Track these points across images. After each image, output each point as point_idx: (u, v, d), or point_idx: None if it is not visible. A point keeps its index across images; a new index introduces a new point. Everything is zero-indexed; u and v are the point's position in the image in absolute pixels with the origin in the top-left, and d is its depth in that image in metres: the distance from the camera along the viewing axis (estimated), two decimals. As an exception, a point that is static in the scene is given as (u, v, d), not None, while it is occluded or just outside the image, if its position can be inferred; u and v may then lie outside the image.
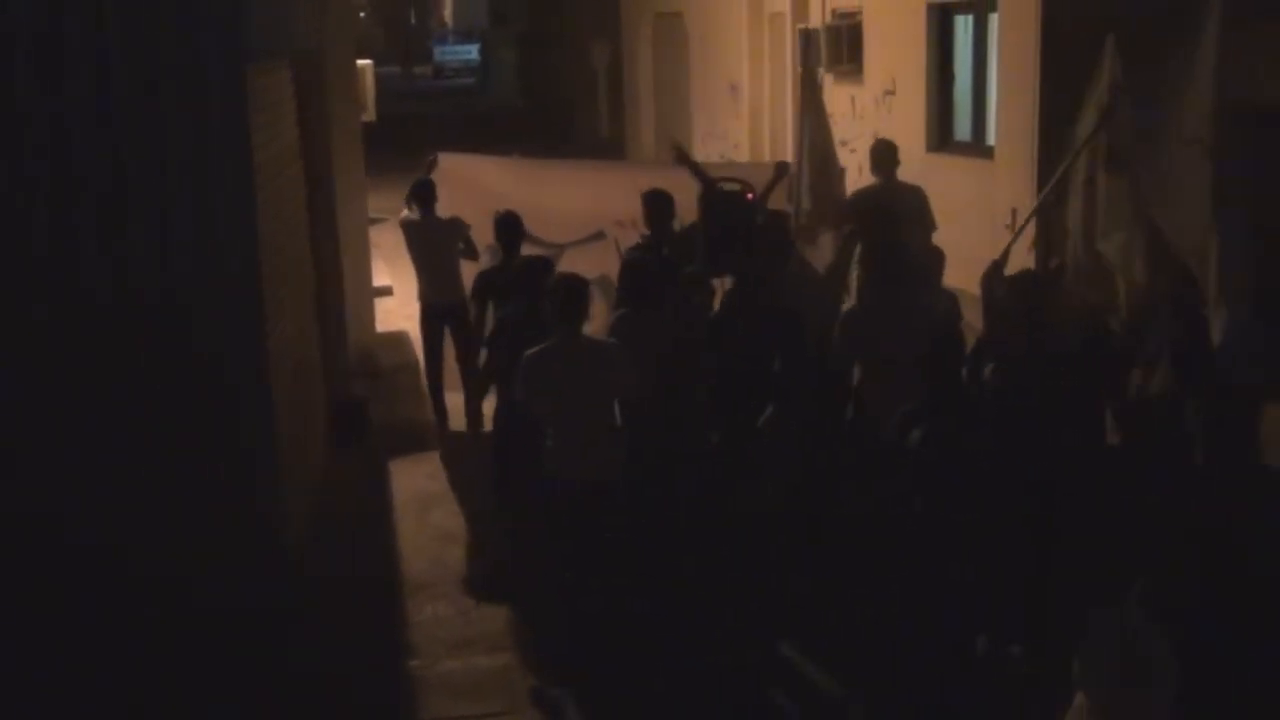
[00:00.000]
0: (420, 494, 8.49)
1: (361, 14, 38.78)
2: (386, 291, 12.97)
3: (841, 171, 9.05)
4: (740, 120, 16.44)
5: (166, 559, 6.06)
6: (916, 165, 11.33)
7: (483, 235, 8.79)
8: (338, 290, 9.52)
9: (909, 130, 12.07)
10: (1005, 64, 10.55)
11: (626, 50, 21.99)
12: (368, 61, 13.83)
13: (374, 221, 13.69)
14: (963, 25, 11.80)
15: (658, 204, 7.77)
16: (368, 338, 10.58)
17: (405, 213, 9.39)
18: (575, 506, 5.83)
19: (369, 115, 13.06)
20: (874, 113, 12.78)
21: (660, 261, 6.88)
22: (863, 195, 8.89)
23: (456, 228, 9.05)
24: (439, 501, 8.37)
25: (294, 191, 7.98)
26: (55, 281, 5.85)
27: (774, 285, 6.43)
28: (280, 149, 7.31)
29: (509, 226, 8.14)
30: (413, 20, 51.31)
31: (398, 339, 11.44)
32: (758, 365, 5.45)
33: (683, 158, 8.54)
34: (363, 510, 8.29)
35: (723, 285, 7.35)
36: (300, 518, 7.09)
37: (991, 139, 11.05)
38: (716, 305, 7.12)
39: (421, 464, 8.98)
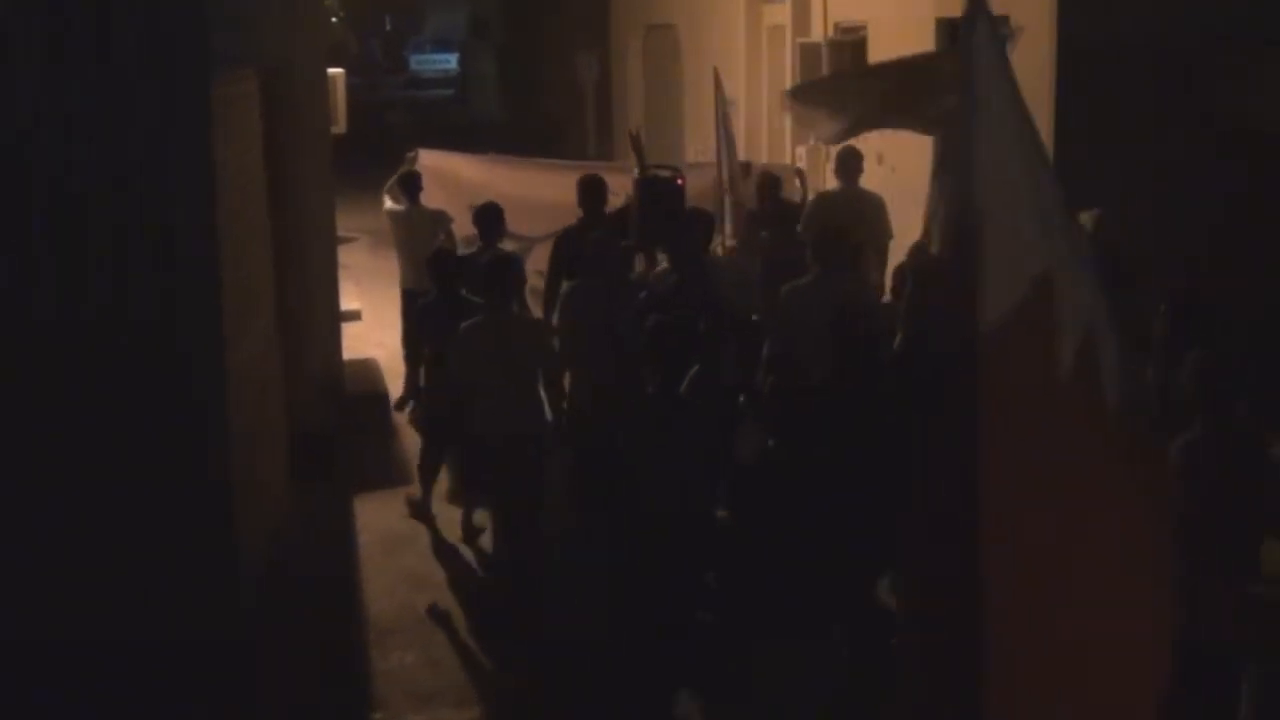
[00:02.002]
0: (388, 534, 8.49)
1: (334, 19, 38.83)
2: (355, 316, 12.99)
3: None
4: (736, 137, 16.51)
5: (112, 600, 6.06)
6: (924, 189, 11.41)
7: (461, 228, 9.99)
8: (303, 314, 9.54)
9: (916, 151, 12.14)
10: (1019, 73, 10.62)
11: (615, 64, 22.10)
12: (339, 70, 13.89)
13: (343, 241, 13.73)
14: (973, 42, 11.90)
15: (590, 188, 8.87)
16: (334, 365, 10.59)
17: (389, 203, 10.87)
18: (499, 460, 6.97)
19: (339, 127, 13.11)
20: (877, 133, 12.86)
21: (596, 238, 7.92)
22: (825, 200, 10.00)
23: (440, 219, 10.40)
24: (408, 542, 8.38)
25: (258, 208, 8.01)
26: (3, 299, 5.86)
27: (702, 262, 7.87)
28: (245, 163, 7.35)
29: (489, 216, 8.97)
30: (388, 27, 51.45)
31: (367, 367, 11.45)
32: (687, 327, 6.35)
33: (635, 145, 10.06)
34: (326, 550, 8.29)
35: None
36: (258, 558, 7.08)
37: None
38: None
39: (390, 501, 8.98)
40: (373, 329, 12.86)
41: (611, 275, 7.58)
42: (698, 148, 17.82)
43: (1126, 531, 3.37)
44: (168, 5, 5.91)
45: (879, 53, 13.12)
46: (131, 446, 6.06)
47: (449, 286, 8.06)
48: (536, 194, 10.71)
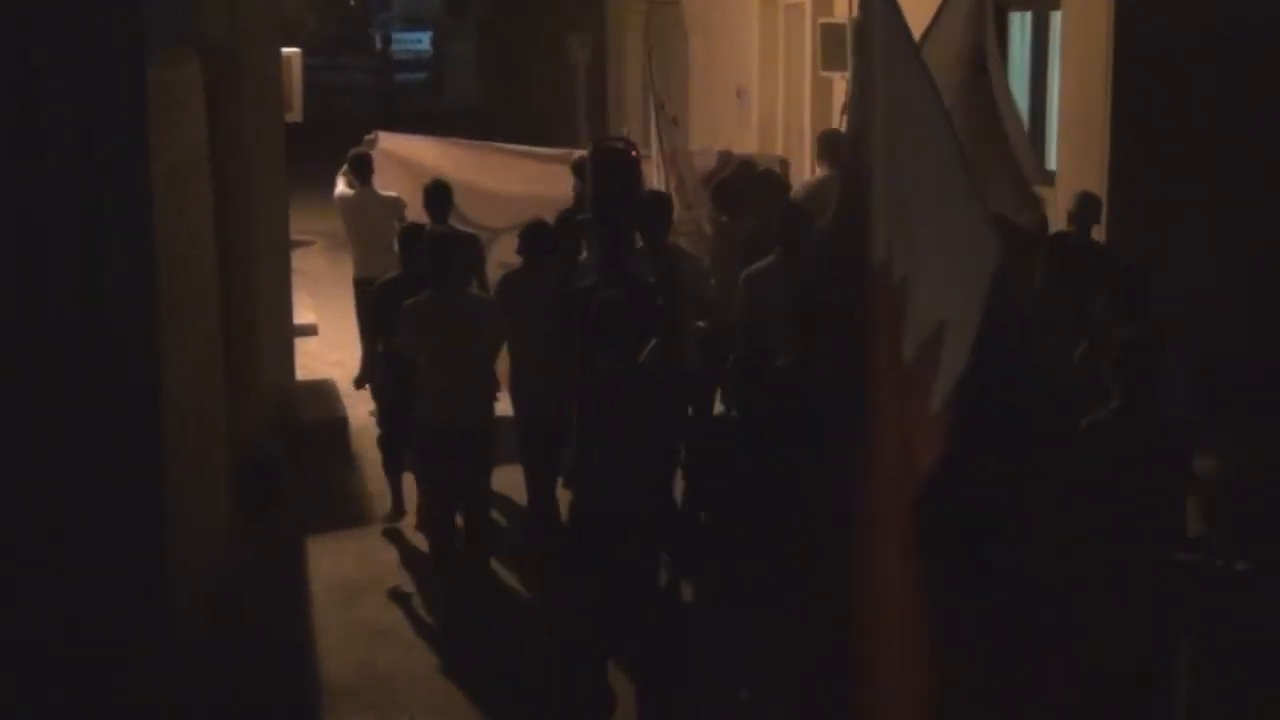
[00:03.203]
0: (345, 580, 8.50)
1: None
2: (310, 330, 13.02)
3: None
4: (748, 130, 16.58)
5: (24, 658, 6.04)
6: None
7: (416, 215, 10.28)
8: (251, 328, 9.56)
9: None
10: (1070, 72, 10.69)
11: (611, 45, 22.19)
12: (295, 51, 13.92)
13: (298, 245, 13.75)
14: (1019, 25, 11.95)
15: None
16: (286, 386, 10.61)
17: (340, 187, 11.29)
18: (449, 453, 7.81)
19: (294, 116, 13.13)
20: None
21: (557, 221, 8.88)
22: (811, 187, 10.60)
23: (394, 205, 10.84)
24: (366, 589, 8.39)
25: (201, 207, 8.02)
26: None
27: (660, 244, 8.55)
28: (185, 156, 7.37)
29: (438, 195, 9.74)
30: (352, 2, 51.67)
31: (322, 389, 11.47)
32: (641, 302, 7.05)
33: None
34: (273, 599, 8.29)
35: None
36: (195, 609, 7.08)
37: (1053, 162, 11.17)
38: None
39: (347, 543, 9.00)
40: (330, 346, 12.88)
41: (561, 253, 8.39)
42: (708, 139, 17.87)
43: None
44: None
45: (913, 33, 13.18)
46: (44, 479, 6.03)
47: (417, 265, 8.54)
48: (502, 184, 11.25)
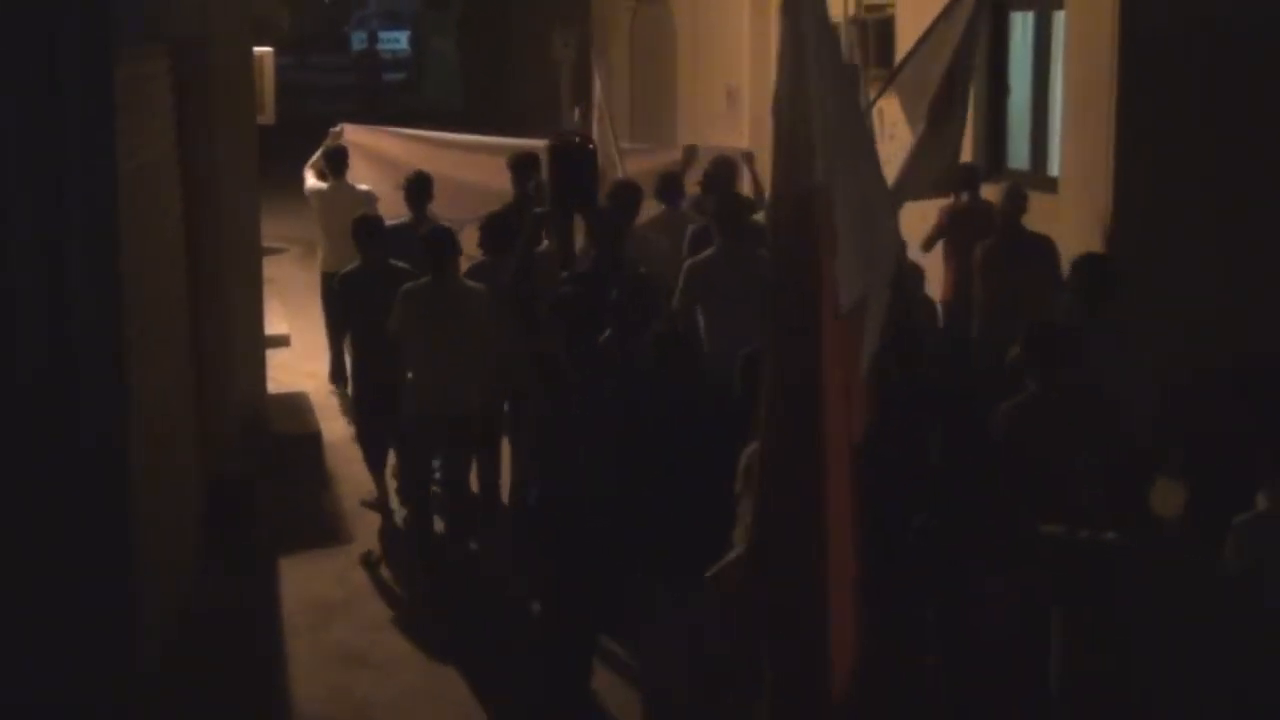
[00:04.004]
0: (319, 602, 8.48)
1: (262, -12, 38.92)
2: (283, 341, 12.99)
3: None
4: (739, 133, 16.57)
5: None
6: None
7: (386, 207, 10.97)
8: (221, 338, 9.53)
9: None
10: (1074, 74, 10.71)
11: (597, 43, 22.20)
12: (267, 50, 13.90)
13: (270, 252, 13.73)
14: (1021, 24, 11.98)
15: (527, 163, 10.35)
16: (257, 399, 10.58)
17: (311, 181, 11.85)
18: (437, 440, 8.47)
19: (267, 117, 13.11)
20: (907, 130, 12.91)
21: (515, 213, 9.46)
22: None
23: (367, 198, 11.39)
24: (341, 611, 8.37)
25: (168, 211, 8.01)
26: None
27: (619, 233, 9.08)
28: (153, 158, 7.35)
29: (419, 187, 10.49)
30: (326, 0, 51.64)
31: (296, 402, 11.45)
32: (594, 295, 7.51)
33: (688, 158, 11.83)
34: (244, 621, 8.26)
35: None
36: (163, 630, 7.05)
37: (1055, 168, 11.18)
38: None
39: (321, 562, 8.98)
40: (303, 357, 12.86)
41: (519, 246, 8.88)
42: (694, 137, 17.88)
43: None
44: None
45: (910, 34, 13.18)
46: (9, 494, 6.00)
47: (378, 255, 9.31)
48: (467, 173, 11.92)
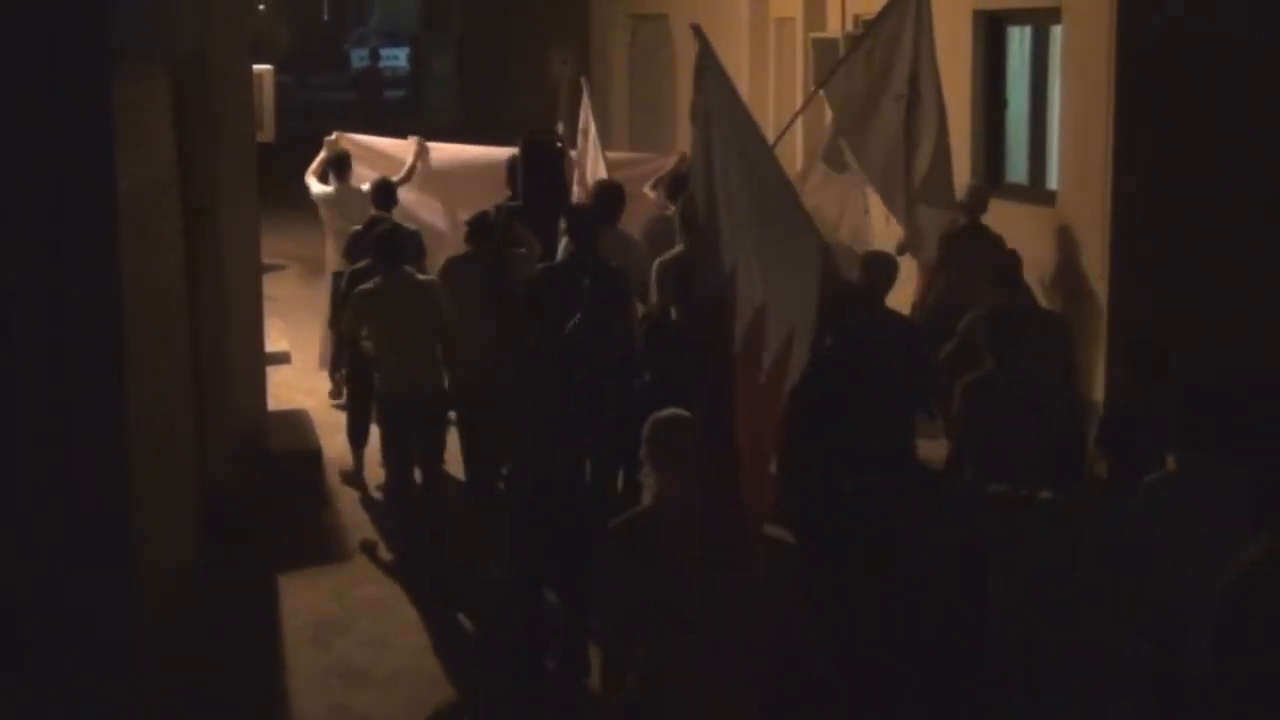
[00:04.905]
0: (318, 618, 8.47)
1: (260, 6, 38.91)
2: (283, 358, 12.99)
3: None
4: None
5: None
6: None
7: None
8: (221, 356, 9.54)
9: (949, 169, 12.22)
10: (1071, 87, 10.73)
11: (596, 59, 22.21)
12: (267, 68, 13.92)
13: (269, 269, 13.74)
14: (1018, 39, 12.00)
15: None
16: (257, 417, 10.58)
17: (317, 187, 12.27)
18: (409, 423, 9.00)
19: (266, 135, 13.14)
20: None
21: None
22: None
23: (368, 201, 11.77)
24: (342, 628, 8.36)
25: (169, 230, 8.01)
26: None
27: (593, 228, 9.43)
28: (153, 177, 7.36)
29: (383, 192, 11.32)
30: (326, 16, 51.73)
31: (296, 419, 11.44)
32: (562, 285, 8.16)
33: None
34: (244, 638, 8.26)
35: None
36: (162, 648, 7.05)
37: (1053, 181, 11.20)
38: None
39: (321, 579, 8.97)
40: (303, 374, 12.87)
41: (493, 242, 9.34)
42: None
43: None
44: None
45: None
46: (7, 510, 6.00)
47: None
48: (453, 181, 12.48)
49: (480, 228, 9.63)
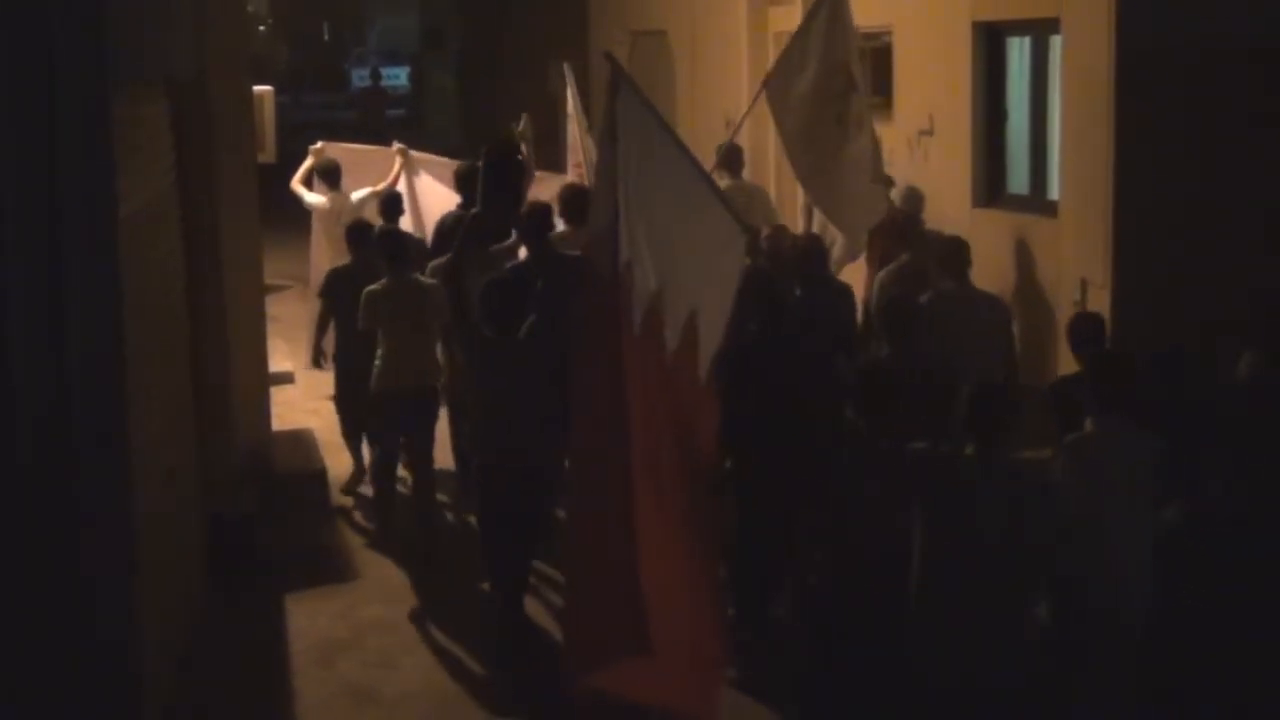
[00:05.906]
0: (324, 639, 8.45)
1: (261, 27, 39.04)
2: (287, 379, 12.99)
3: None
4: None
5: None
6: (961, 224, 11.44)
7: (373, 215, 11.73)
8: (224, 376, 9.53)
9: (950, 180, 12.20)
10: (1071, 98, 10.72)
11: (595, 76, 22.23)
12: (267, 89, 13.93)
13: (272, 290, 13.73)
14: (1018, 49, 11.99)
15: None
16: (261, 437, 10.58)
17: (310, 196, 12.63)
18: (403, 412, 9.71)
19: (267, 156, 13.14)
20: (906, 158, 12.94)
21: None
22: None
23: (363, 204, 12.22)
24: (348, 649, 8.34)
25: (170, 251, 8.00)
26: None
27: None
28: (153, 198, 7.35)
29: (391, 203, 11.59)
30: (326, 37, 51.88)
31: (300, 439, 11.44)
32: (518, 284, 8.71)
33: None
34: (249, 660, 8.24)
35: None
36: (166, 672, 7.02)
37: (1054, 192, 11.19)
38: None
39: (326, 600, 8.95)
40: (307, 394, 12.85)
41: (459, 245, 9.47)
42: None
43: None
44: (55, 6, 5.90)
45: (906, 61, 13.21)
46: (10, 540, 5.97)
47: (366, 255, 10.34)
48: (439, 189, 12.69)
49: (445, 233, 10.17)
